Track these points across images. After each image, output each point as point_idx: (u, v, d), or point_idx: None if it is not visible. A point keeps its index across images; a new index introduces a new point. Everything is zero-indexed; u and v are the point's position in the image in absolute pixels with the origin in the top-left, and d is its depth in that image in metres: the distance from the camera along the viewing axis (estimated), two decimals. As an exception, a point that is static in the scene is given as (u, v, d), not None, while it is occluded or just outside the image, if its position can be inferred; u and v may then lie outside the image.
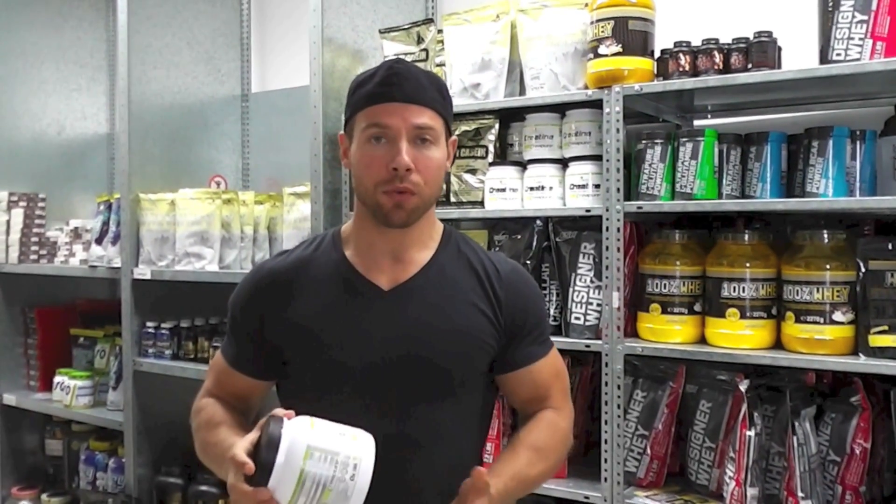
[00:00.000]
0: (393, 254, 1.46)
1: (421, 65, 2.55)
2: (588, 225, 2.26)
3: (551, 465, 1.51)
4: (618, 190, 2.14)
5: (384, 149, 1.37)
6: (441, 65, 2.55)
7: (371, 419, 1.39)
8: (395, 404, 1.42)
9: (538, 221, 2.35)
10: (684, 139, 2.13)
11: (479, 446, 1.56)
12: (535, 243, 2.34)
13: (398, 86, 1.38)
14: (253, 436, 1.27)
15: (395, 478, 1.37)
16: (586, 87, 2.24)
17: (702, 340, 2.15)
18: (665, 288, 2.16)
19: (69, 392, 3.27)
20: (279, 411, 1.28)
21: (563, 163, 2.30)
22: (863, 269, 1.92)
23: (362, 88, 1.42)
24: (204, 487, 2.90)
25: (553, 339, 1.58)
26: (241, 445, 1.25)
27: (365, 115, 1.40)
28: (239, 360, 1.53)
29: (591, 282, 2.24)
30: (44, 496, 3.34)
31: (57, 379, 3.35)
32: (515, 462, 1.44)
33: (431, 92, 1.41)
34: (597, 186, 2.21)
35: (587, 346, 2.21)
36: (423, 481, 1.44)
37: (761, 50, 2.06)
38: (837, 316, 1.94)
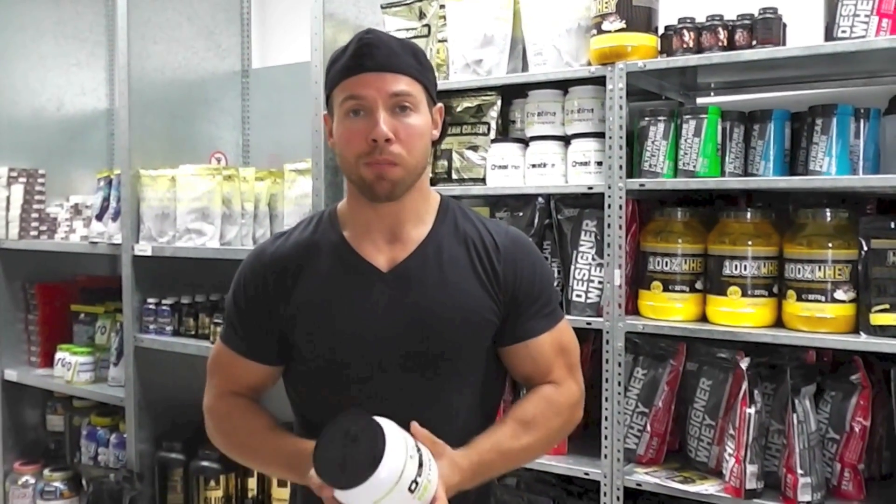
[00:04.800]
0: (389, 231, 1.45)
1: (423, 41, 2.54)
2: (590, 202, 2.26)
3: (542, 437, 1.46)
4: (620, 167, 2.13)
5: (363, 121, 1.35)
6: (443, 41, 2.53)
7: (376, 402, 1.39)
8: (399, 386, 1.41)
9: (540, 198, 2.34)
10: (687, 116, 2.12)
11: (489, 421, 1.54)
12: (536, 220, 2.33)
13: (369, 55, 1.36)
14: None
15: None
16: (589, 64, 2.23)
17: (703, 318, 2.15)
18: (667, 266, 2.16)
19: (70, 368, 3.28)
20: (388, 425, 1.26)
21: (566, 140, 2.30)
22: (865, 248, 1.92)
23: (336, 63, 1.40)
24: (205, 463, 2.91)
25: (556, 315, 1.56)
26: None
27: (341, 89, 1.38)
28: (250, 349, 1.50)
29: (593, 259, 2.24)
30: (46, 471, 3.35)
31: (58, 355, 3.36)
32: (496, 434, 1.42)
33: (406, 58, 1.39)
34: (599, 164, 2.20)
35: (588, 323, 2.21)
36: None
37: (766, 27, 2.05)
38: (839, 294, 1.94)
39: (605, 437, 2.16)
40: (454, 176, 2.46)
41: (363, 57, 1.36)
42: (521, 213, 2.36)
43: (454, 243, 1.46)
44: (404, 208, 1.44)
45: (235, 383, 1.53)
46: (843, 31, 1.91)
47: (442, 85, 2.43)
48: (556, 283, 2.32)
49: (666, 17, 2.20)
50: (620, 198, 2.13)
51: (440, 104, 1.47)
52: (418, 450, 1.24)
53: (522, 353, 1.48)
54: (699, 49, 2.11)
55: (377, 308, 1.41)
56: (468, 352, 1.45)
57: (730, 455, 2.01)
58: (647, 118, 2.17)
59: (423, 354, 1.41)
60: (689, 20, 2.13)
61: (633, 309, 2.23)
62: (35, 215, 3.47)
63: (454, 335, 1.42)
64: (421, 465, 1.23)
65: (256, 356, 1.50)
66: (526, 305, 1.47)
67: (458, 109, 2.46)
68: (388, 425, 1.24)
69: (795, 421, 1.94)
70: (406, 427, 1.30)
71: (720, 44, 2.08)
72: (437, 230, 1.47)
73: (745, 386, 1.99)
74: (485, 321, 1.44)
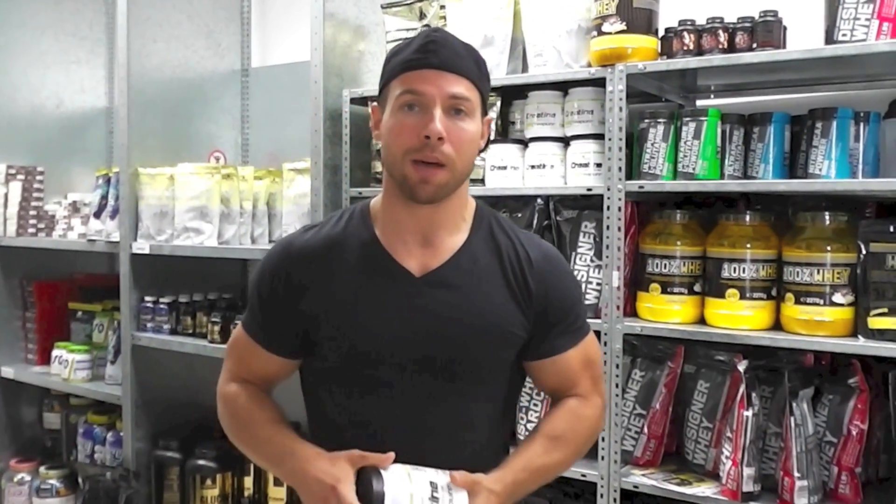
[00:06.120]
0: (423, 235, 1.42)
1: (423, 41, 2.53)
2: (589, 204, 2.25)
3: (571, 452, 1.48)
4: (619, 169, 2.13)
5: (417, 117, 1.33)
6: (443, 41, 2.53)
7: (398, 406, 1.40)
8: (420, 393, 1.41)
9: (539, 200, 2.34)
10: (687, 119, 2.12)
11: (506, 430, 1.56)
12: (535, 222, 2.33)
13: (435, 52, 1.34)
14: (352, 481, 1.30)
15: (422, 465, 1.35)
16: (589, 65, 2.22)
17: (701, 321, 2.15)
18: (665, 268, 2.15)
19: (67, 366, 3.27)
20: (375, 459, 1.30)
21: (565, 141, 2.29)
22: (864, 252, 1.92)
23: (398, 56, 1.39)
24: (202, 462, 2.91)
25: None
26: (352, 493, 1.28)
27: (399, 82, 1.36)
28: (268, 340, 1.49)
29: (592, 261, 2.24)
30: (42, 469, 3.34)
31: (55, 352, 3.36)
32: (528, 452, 1.43)
33: (468, 62, 1.37)
34: (598, 165, 2.20)
35: (586, 325, 2.20)
36: (449, 468, 1.39)
37: (766, 29, 2.05)
38: (837, 298, 1.94)
39: (603, 439, 2.16)
40: (453, 176, 2.45)
41: (428, 53, 1.34)
42: (519, 214, 2.36)
43: (488, 254, 1.44)
44: (441, 213, 1.41)
45: (248, 371, 1.52)
46: (844, 35, 1.91)
47: (442, 85, 2.44)
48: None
49: (666, 19, 2.19)
50: (620, 199, 2.13)
51: (490, 115, 1.46)
52: (434, 501, 1.26)
53: (549, 368, 1.48)
54: (699, 51, 2.11)
55: (405, 313, 1.40)
56: (493, 364, 1.44)
57: (727, 458, 2.01)
58: (646, 120, 2.17)
59: (448, 363, 1.40)
60: (689, 22, 2.13)
61: (631, 311, 2.23)
62: (33, 213, 3.47)
63: (480, 346, 1.41)
64: None
65: (274, 348, 1.49)
66: (555, 322, 1.46)
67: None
68: (394, 481, 1.26)
69: (793, 424, 1.94)
70: (421, 448, 1.34)
71: (720, 46, 2.08)
72: (473, 240, 1.45)
73: (742, 389, 1.99)
74: (512, 335, 1.43)
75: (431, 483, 1.28)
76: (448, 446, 1.38)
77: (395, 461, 1.32)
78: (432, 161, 1.33)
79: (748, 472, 1.97)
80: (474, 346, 1.40)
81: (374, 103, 1.45)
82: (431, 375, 1.40)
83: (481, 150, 1.44)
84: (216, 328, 2.85)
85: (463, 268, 1.42)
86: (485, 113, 1.42)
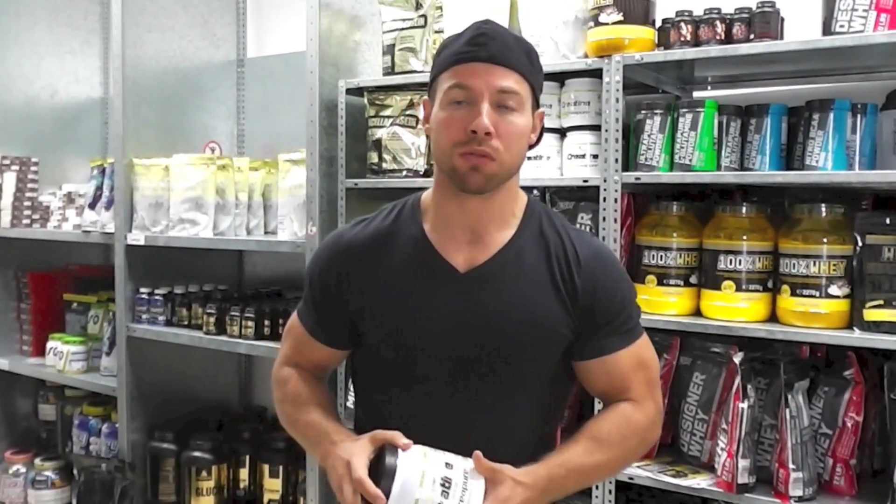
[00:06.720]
0: (472, 230, 1.42)
1: (419, 31, 2.52)
2: (585, 195, 2.25)
3: (616, 456, 1.44)
4: (616, 160, 2.12)
5: (465, 111, 1.33)
6: (439, 31, 2.52)
7: (439, 401, 1.40)
8: (463, 389, 1.40)
9: (535, 191, 2.34)
10: (684, 110, 2.12)
11: (548, 434, 1.54)
12: (531, 213, 2.33)
13: (484, 46, 1.33)
14: (367, 456, 1.30)
15: None
16: (586, 56, 2.22)
17: (697, 312, 2.15)
18: (661, 260, 2.15)
19: (62, 357, 3.27)
20: (396, 439, 1.30)
21: (562, 132, 2.29)
22: (860, 244, 1.92)
23: (448, 49, 1.38)
24: (197, 453, 2.91)
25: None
26: (363, 467, 1.27)
27: (448, 76, 1.35)
28: (318, 330, 1.52)
29: (588, 253, 2.23)
30: (37, 460, 3.34)
31: (50, 344, 3.35)
32: (568, 450, 1.40)
33: (518, 55, 1.36)
34: (595, 157, 2.20)
35: (582, 316, 2.20)
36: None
37: (764, 20, 2.04)
38: (833, 290, 1.94)
39: (598, 431, 2.16)
40: (449, 168, 2.44)
41: (477, 46, 1.34)
42: (516, 206, 2.35)
43: (536, 250, 1.43)
44: (490, 207, 1.41)
45: (301, 356, 1.56)
46: (841, 26, 1.90)
47: (438, 76, 2.43)
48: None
49: (664, 9, 2.19)
50: (616, 191, 2.13)
51: (542, 109, 1.44)
52: (445, 484, 1.25)
53: (598, 368, 1.46)
54: (696, 42, 2.10)
55: (449, 308, 1.40)
56: (534, 362, 1.43)
57: (722, 449, 2.01)
58: (643, 111, 2.17)
59: (488, 359, 1.40)
60: (686, 13, 2.12)
61: (627, 302, 2.23)
62: (28, 203, 3.46)
63: (522, 344, 1.40)
64: (447, 498, 1.24)
65: (324, 338, 1.52)
66: (604, 322, 1.44)
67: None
68: (409, 457, 1.26)
69: (788, 416, 1.94)
70: (462, 444, 1.32)
71: (717, 37, 2.07)
72: (521, 235, 1.44)
73: (738, 381, 1.99)
74: (556, 334, 1.42)
75: (447, 464, 1.27)
76: (490, 445, 1.35)
77: None
78: (480, 154, 1.32)
79: (743, 463, 1.97)
80: (514, 341, 1.40)
81: (425, 97, 1.45)
82: (472, 371, 1.40)
83: (533, 145, 1.43)
84: (211, 319, 2.84)
85: (508, 263, 1.41)
86: (537, 106, 1.41)
